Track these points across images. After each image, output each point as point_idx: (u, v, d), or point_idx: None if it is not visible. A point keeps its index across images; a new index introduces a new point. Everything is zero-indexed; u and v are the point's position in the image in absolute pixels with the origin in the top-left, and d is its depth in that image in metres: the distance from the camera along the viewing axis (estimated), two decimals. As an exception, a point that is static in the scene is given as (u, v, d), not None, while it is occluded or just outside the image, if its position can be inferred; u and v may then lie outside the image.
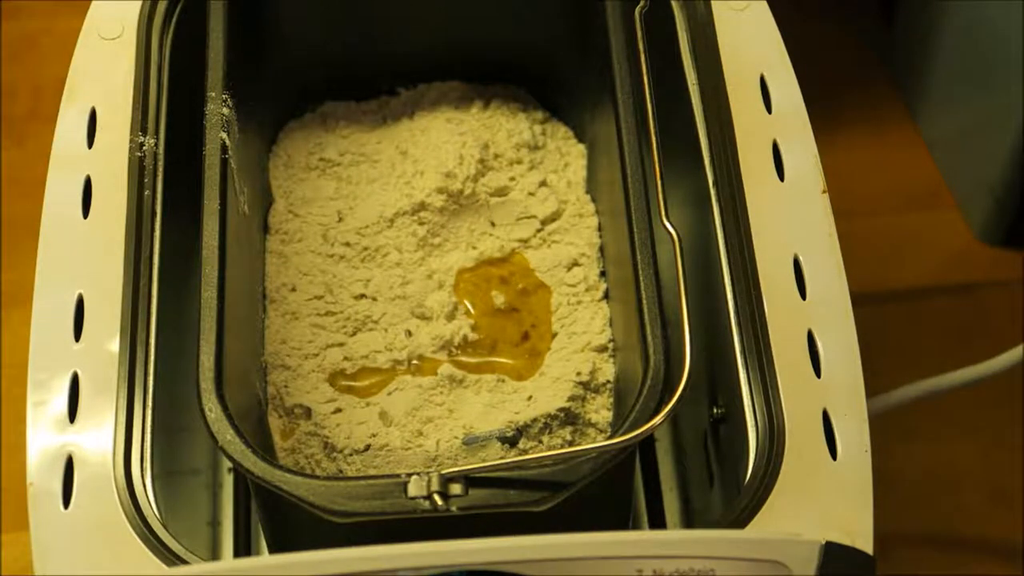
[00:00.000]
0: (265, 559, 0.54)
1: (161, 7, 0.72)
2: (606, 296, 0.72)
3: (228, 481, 0.83)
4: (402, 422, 0.68)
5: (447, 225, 0.75)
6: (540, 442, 0.67)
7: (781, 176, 0.68)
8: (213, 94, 0.66)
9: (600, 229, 0.75)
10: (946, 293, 1.07)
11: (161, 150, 0.68)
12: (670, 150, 0.66)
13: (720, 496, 0.72)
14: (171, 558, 0.58)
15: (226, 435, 0.58)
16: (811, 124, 0.69)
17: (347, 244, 0.74)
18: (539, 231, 0.75)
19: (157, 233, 0.66)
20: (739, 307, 0.64)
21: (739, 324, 0.64)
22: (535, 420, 0.67)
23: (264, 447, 0.66)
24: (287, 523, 0.65)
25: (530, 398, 0.69)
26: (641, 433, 0.57)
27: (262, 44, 0.75)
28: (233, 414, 0.58)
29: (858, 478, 0.60)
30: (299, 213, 0.75)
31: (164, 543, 0.58)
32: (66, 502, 0.59)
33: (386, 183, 0.76)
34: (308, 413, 0.68)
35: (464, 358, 0.71)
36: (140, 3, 0.72)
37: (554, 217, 0.76)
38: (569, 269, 0.74)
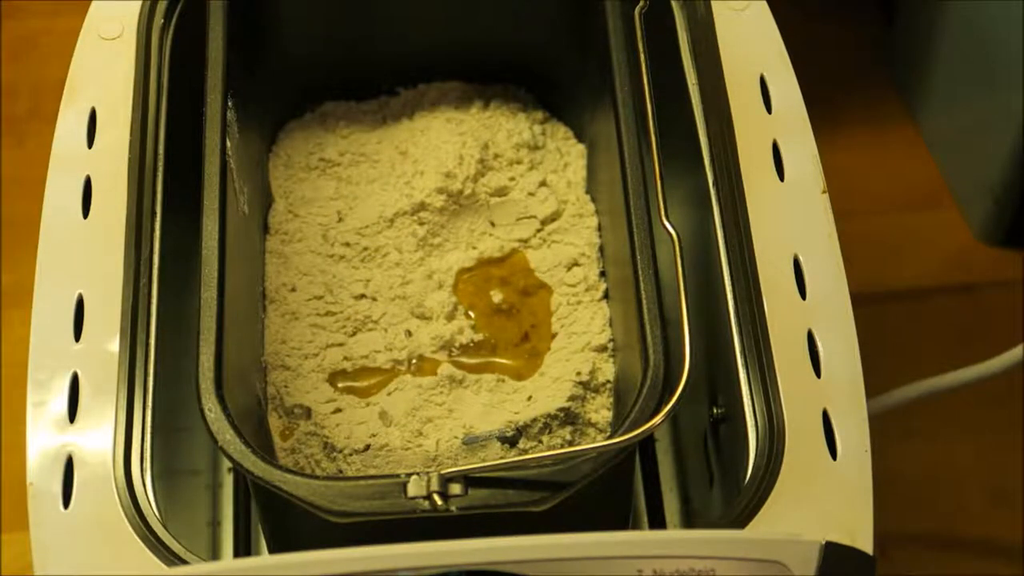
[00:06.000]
0: (265, 559, 0.54)
1: (161, 7, 0.72)
2: (606, 296, 0.72)
3: (228, 481, 0.83)
4: (402, 422, 0.68)
5: (447, 225, 0.75)
6: (540, 442, 0.67)
7: (781, 176, 0.68)
8: (213, 94, 0.66)
9: (600, 229, 0.75)
10: (946, 293, 1.06)
11: (161, 150, 0.68)
12: (670, 150, 0.66)
13: (720, 496, 0.72)
14: (171, 558, 0.58)
15: (226, 435, 0.58)
16: (811, 124, 0.69)
17: (347, 244, 0.74)
18: (539, 231, 0.75)
19: (157, 233, 0.66)
20: (739, 307, 0.64)
21: (739, 324, 0.64)
22: (535, 420, 0.67)
23: (264, 447, 0.66)
24: (287, 523, 0.65)
25: (530, 398, 0.69)
26: (641, 433, 0.57)
27: (262, 44, 0.75)
28: (233, 414, 0.58)
29: (858, 478, 0.60)
30: (299, 213, 0.76)
31: (164, 543, 0.58)
32: (66, 502, 0.59)
33: (386, 183, 0.76)
34: (308, 413, 0.68)
35: (464, 358, 0.71)
36: (140, 3, 0.72)
37: (554, 217, 0.76)
38: (569, 269, 0.74)
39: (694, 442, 0.80)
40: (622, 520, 0.69)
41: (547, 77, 0.79)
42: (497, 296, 0.73)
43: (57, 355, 0.62)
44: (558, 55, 0.77)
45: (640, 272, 0.62)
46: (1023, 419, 0.98)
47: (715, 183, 0.68)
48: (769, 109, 0.70)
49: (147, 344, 0.63)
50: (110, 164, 0.67)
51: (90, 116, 0.69)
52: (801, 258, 0.65)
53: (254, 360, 0.69)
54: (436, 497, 0.55)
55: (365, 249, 0.74)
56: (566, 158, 0.78)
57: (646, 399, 0.59)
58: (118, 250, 0.65)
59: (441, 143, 0.76)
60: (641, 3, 0.69)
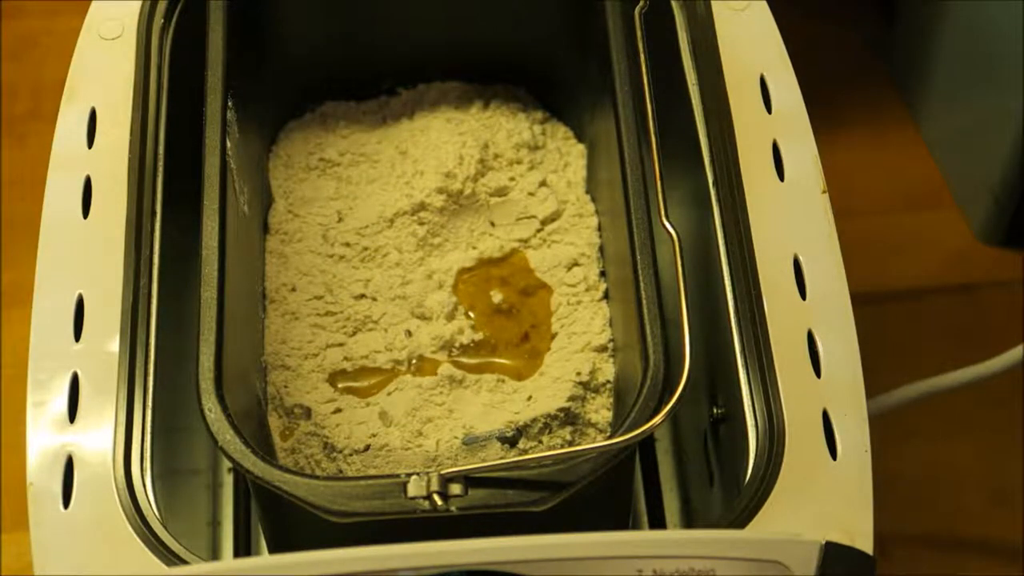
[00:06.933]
0: (265, 559, 0.54)
1: (161, 7, 0.72)
2: (606, 296, 0.72)
3: (228, 481, 0.83)
4: (402, 422, 0.68)
5: (447, 225, 0.75)
6: (540, 442, 0.67)
7: (781, 176, 0.68)
8: (213, 94, 0.66)
9: (600, 229, 0.75)
10: (946, 293, 1.06)
11: (161, 150, 0.68)
12: (670, 150, 0.66)
13: (720, 496, 0.72)
14: (171, 558, 0.58)
15: (226, 435, 0.58)
16: (811, 124, 0.69)
17: (347, 244, 0.74)
18: (539, 231, 0.75)
19: (157, 233, 0.66)
20: (739, 307, 0.64)
21: (739, 324, 0.64)
22: (535, 420, 0.67)
23: (264, 447, 0.66)
24: (287, 523, 0.65)
25: (530, 398, 0.69)
26: (641, 433, 0.57)
27: (262, 44, 0.75)
28: (233, 414, 0.58)
29: (858, 478, 0.60)
30: (299, 213, 0.76)
31: (164, 543, 0.58)
32: (66, 502, 0.59)
33: (386, 183, 0.76)
34: (308, 413, 0.68)
35: (464, 358, 0.71)
36: (140, 3, 0.72)
37: (554, 217, 0.76)
38: (569, 269, 0.74)
39: (694, 442, 0.80)
40: (622, 520, 0.69)
41: (547, 77, 0.79)
42: (497, 296, 0.73)
43: (57, 355, 0.62)
44: (558, 55, 0.77)
45: (640, 272, 0.62)
46: (1023, 419, 0.98)
47: (715, 183, 0.68)
48: (769, 109, 0.70)
49: (147, 344, 0.63)
50: (110, 164, 0.67)
51: (90, 116, 0.69)
52: (801, 258, 0.65)
53: (254, 360, 0.69)
54: (436, 497, 0.55)
55: (365, 249, 0.74)
56: (566, 158, 0.78)
57: (646, 399, 0.59)
58: (118, 250, 0.65)
59: (441, 143, 0.76)
60: (641, 3, 0.69)
